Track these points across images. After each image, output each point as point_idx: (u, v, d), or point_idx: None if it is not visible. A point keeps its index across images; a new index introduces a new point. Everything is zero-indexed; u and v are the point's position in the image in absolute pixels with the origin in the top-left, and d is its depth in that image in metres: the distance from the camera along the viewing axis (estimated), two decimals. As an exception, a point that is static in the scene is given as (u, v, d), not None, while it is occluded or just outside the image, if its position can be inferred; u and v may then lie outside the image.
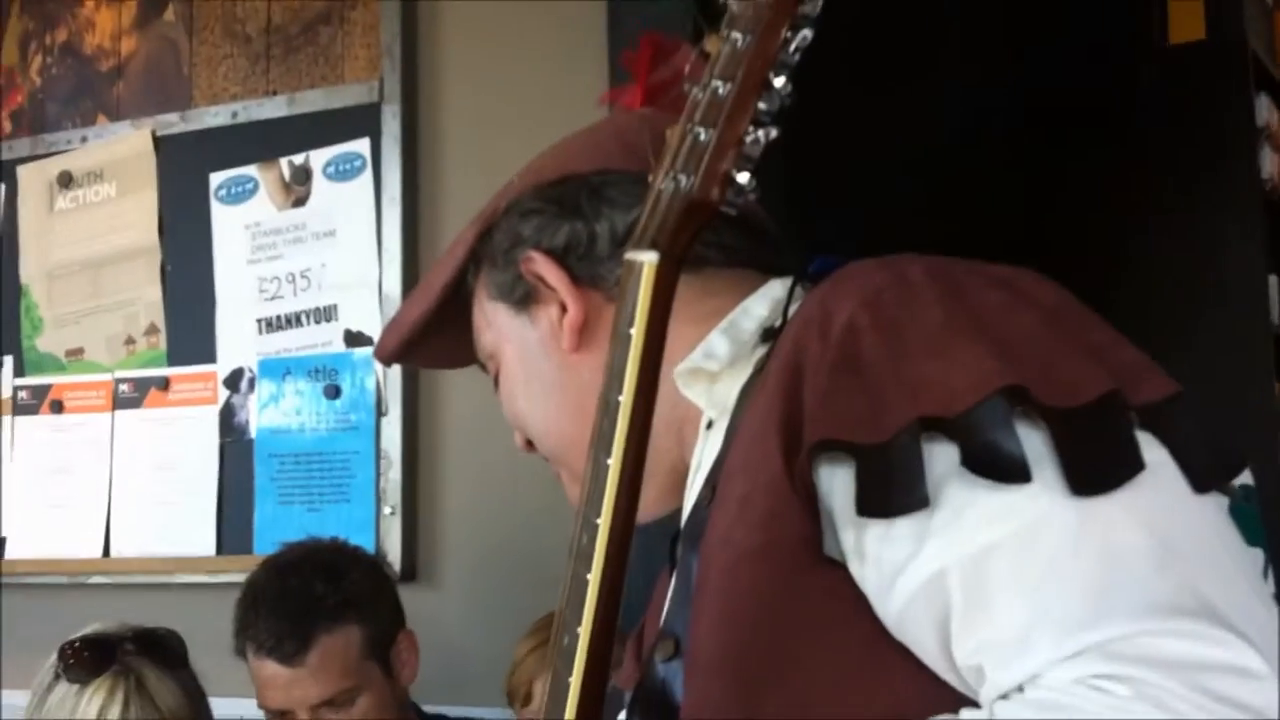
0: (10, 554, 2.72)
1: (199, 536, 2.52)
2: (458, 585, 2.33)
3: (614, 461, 0.81)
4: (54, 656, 1.79)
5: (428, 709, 1.98)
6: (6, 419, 2.76)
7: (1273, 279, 3.33)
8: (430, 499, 2.38)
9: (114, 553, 2.61)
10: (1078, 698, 0.73)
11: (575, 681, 0.83)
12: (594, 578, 0.82)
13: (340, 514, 2.37)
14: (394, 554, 2.32)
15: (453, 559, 2.35)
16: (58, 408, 2.71)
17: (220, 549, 2.51)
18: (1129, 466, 0.78)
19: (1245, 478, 0.88)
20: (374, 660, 1.81)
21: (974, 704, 0.80)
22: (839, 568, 0.84)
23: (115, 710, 1.73)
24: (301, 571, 1.82)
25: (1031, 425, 0.79)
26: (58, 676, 1.77)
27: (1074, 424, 0.79)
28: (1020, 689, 0.77)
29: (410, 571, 2.31)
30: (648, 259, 0.80)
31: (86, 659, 1.77)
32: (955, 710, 0.80)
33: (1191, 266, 2.86)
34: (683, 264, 0.81)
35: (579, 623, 0.82)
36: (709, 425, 1.01)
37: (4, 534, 2.73)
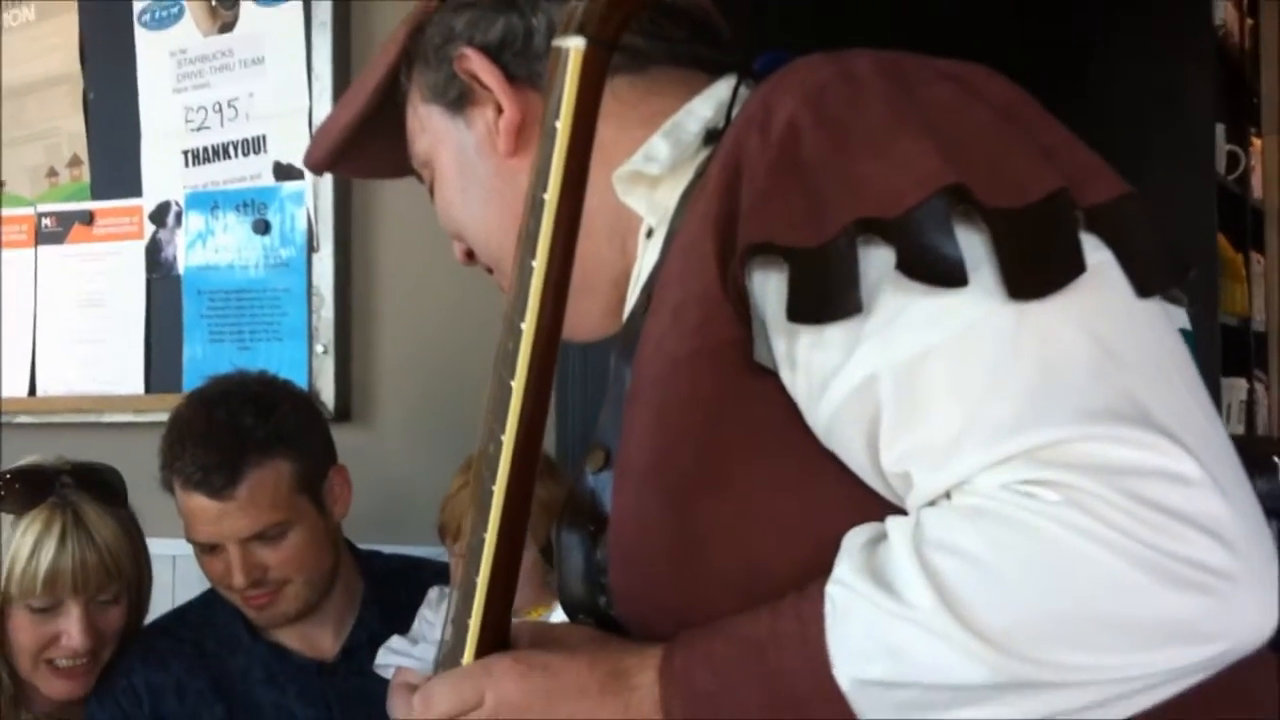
0: (-68, 392, 2.66)
1: (127, 375, 2.47)
2: (392, 424, 2.30)
3: (539, 262, 0.77)
4: None
5: (363, 547, 1.96)
6: (-75, 254, 2.68)
7: (1220, 128, 3.32)
8: (364, 337, 2.33)
9: (40, 391, 2.56)
10: (1005, 504, 0.72)
11: (499, 488, 0.81)
12: (517, 383, 0.79)
13: (272, 352, 2.32)
14: (327, 393, 2.27)
15: (387, 398, 2.31)
16: (-22, 242, 2.63)
17: (149, 387, 2.46)
18: (1070, 269, 0.75)
19: (1183, 321, 0.85)
20: (305, 495, 1.77)
21: (902, 513, 0.78)
22: (771, 376, 0.81)
23: (51, 543, 1.70)
24: (229, 404, 1.77)
25: (972, 227, 0.76)
26: None
27: (1016, 225, 0.76)
28: (948, 496, 0.75)
29: (344, 411, 2.27)
30: (574, 44, 0.75)
31: (21, 491, 1.74)
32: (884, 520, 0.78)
33: (1143, 111, 2.83)
34: (614, 52, 0.76)
35: (502, 429, 0.80)
36: (649, 234, 0.97)
37: (-75, 372, 2.67)
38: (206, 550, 1.76)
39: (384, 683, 1.78)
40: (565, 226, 0.77)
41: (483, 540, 0.83)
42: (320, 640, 1.85)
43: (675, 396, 0.84)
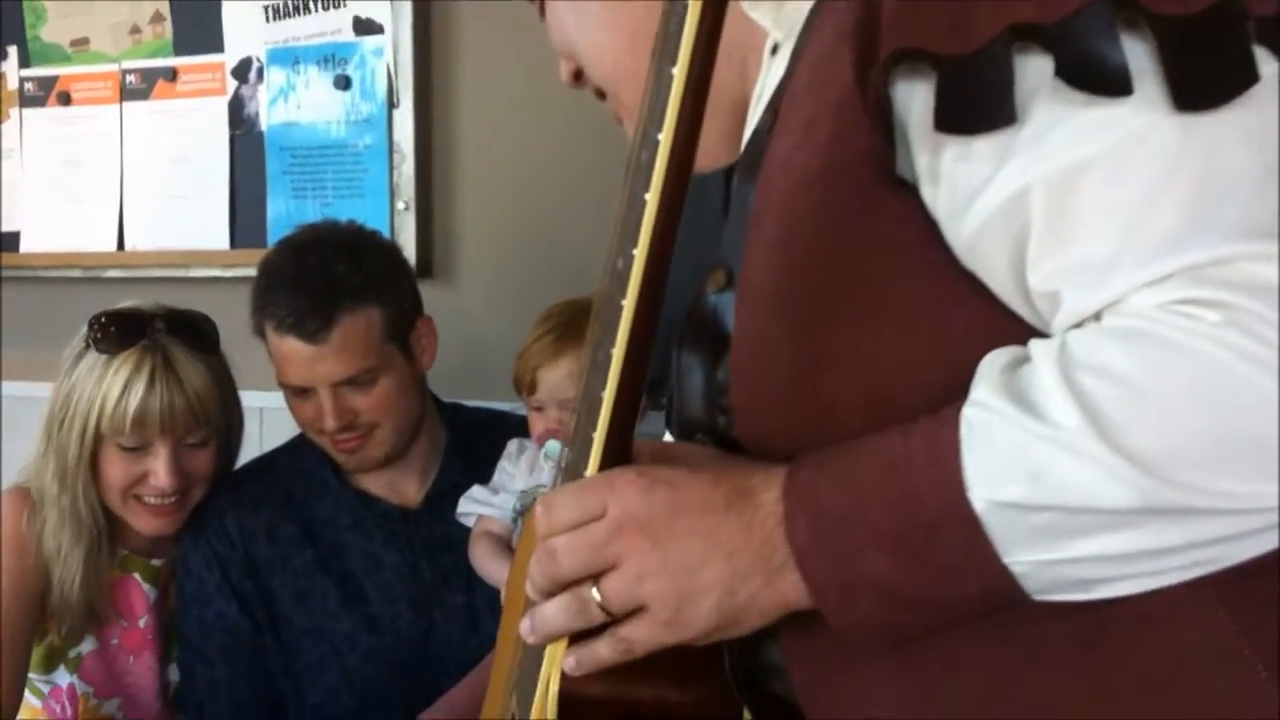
0: (25, 248, 2.71)
1: (212, 230, 2.50)
2: (473, 280, 2.31)
3: (680, 68, 0.72)
4: (84, 328, 1.79)
5: (444, 400, 1.99)
6: (14, 111, 2.71)
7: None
8: (445, 193, 2.34)
9: (128, 246, 2.59)
10: (1162, 324, 0.69)
11: (629, 302, 0.78)
12: (652, 196, 0.76)
13: (354, 209, 2.33)
14: (409, 249, 2.28)
15: (468, 254, 2.32)
16: (65, 99, 2.65)
17: (234, 243, 2.48)
18: (1241, 80, 0.71)
19: None
20: (394, 343, 1.80)
21: (1043, 338, 0.75)
22: (909, 191, 0.78)
23: (140, 385, 1.74)
24: (321, 250, 1.78)
25: (1137, 34, 0.72)
26: (87, 346, 1.78)
27: (1184, 32, 0.71)
28: (1098, 316, 0.72)
29: (425, 267, 2.28)
30: None
31: (114, 332, 1.77)
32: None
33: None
34: None
35: (634, 243, 0.77)
36: (774, 50, 0.92)
37: (19, 228, 2.72)
38: (297, 394, 1.79)
39: (465, 530, 1.83)
40: (709, 26, 0.72)
41: (610, 355, 0.80)
42: (405, 488, 1.89)
43: (804, 213, 0.81)
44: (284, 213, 2.41)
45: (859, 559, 0.76)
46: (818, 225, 0.80)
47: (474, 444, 1.93)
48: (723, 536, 0.79)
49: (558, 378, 1.74)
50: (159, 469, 1.76)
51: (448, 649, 1.82)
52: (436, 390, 1.97)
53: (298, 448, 1.92)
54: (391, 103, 2.33)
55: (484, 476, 1.85)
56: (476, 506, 1.83)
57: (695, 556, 0.79)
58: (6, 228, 2.73)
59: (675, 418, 0.93)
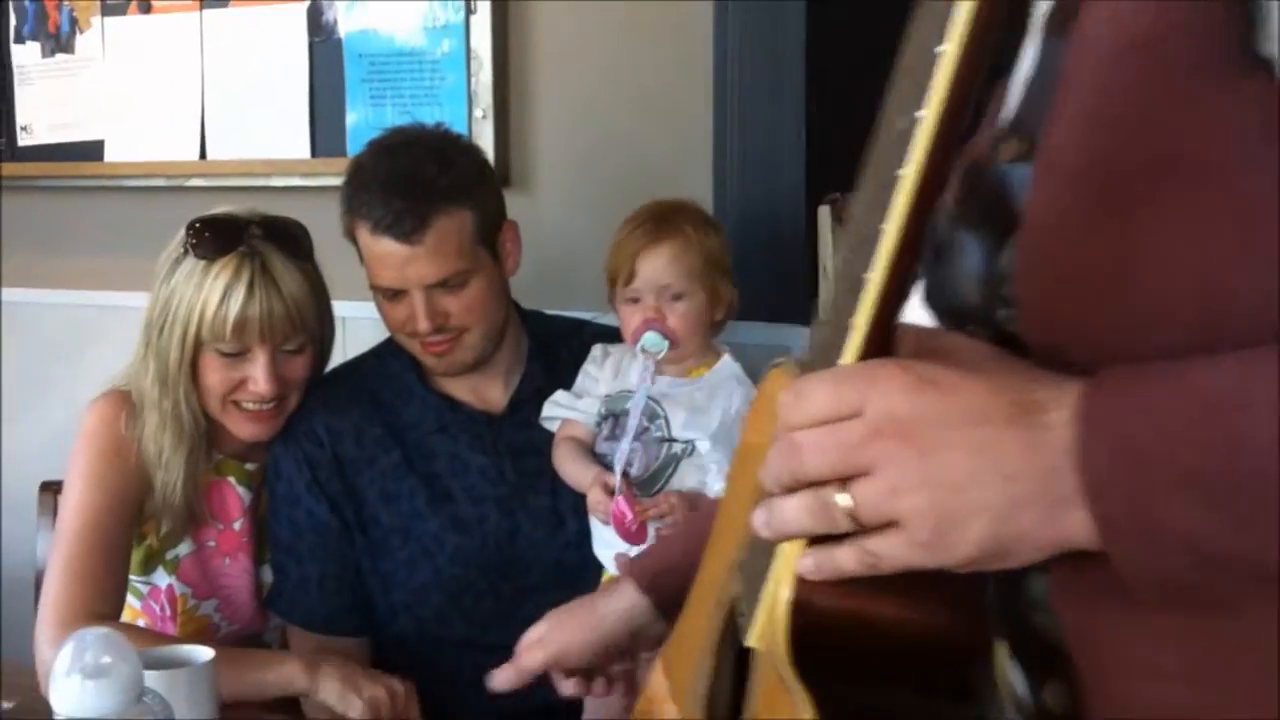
0: (109, 157, 2.75)
1: (293, 139, 2.53)
2: (551, 188, 2.33)
3: None
4: (181, 233, 1.82)
5: (526, 309, 2.02)
6: (95, 20, 2.74)
7: None
8: (522, 101, 2.35)
9: (210, 155, 2.63)
10: None
11: (913, 169, 0.69)
12: (953, 46, 0.66)
13: (432, 116, 2.29)
14: (487, 157, 2.30)
15: (546, 162, 2.34)
16: (145, 7, 2.68)
17: (314, 151, 2.51)
18: None
19: None
20: (484, 246, 1.82)
21: None
22: (1262, 70, 0.66)
23: (240, 291, 1.77)
24: (413, 153, 1.80)
25: None
26: (185, 252, 1.80)
27: None
28: None
29: (504, 175, 2.30)
30: None
31: (211, 238, 1.79)
32: None
33: None
34: None
35: (919, 104, 0.68)
36: None
37: (102, 137, 2.76)
38: (390, 297, 1.82)
39: (549, 434, 1.87)
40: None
41: (879, 230, 0.70)
42: (489, 393, 1.92)
43: (1128, 84, 0.69)
44: (363, 120, 2.43)
45: (1167, 505, 0.65)
46: (1146, 97, 0.68)
47: (555, 350, 1.96)
48: (999, 454, 0.69)
49: (659, 263, 1.75)
50: (258, 375, 1.79)
51: (532, 550, 1.86)
52: (517, 298, 2.00)
53: (382, 353, 1.96)
54: (469, 9, 2.33)
55: (565, 382, 1.89)
56: (561, 411, 1.86)
57: (964, 473, 0.69)
58: (90, 137, 2.77)
59: (939, 301, 0.82)
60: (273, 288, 1.78)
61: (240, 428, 1.85)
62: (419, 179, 1.76)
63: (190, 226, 1.81)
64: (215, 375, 1.81)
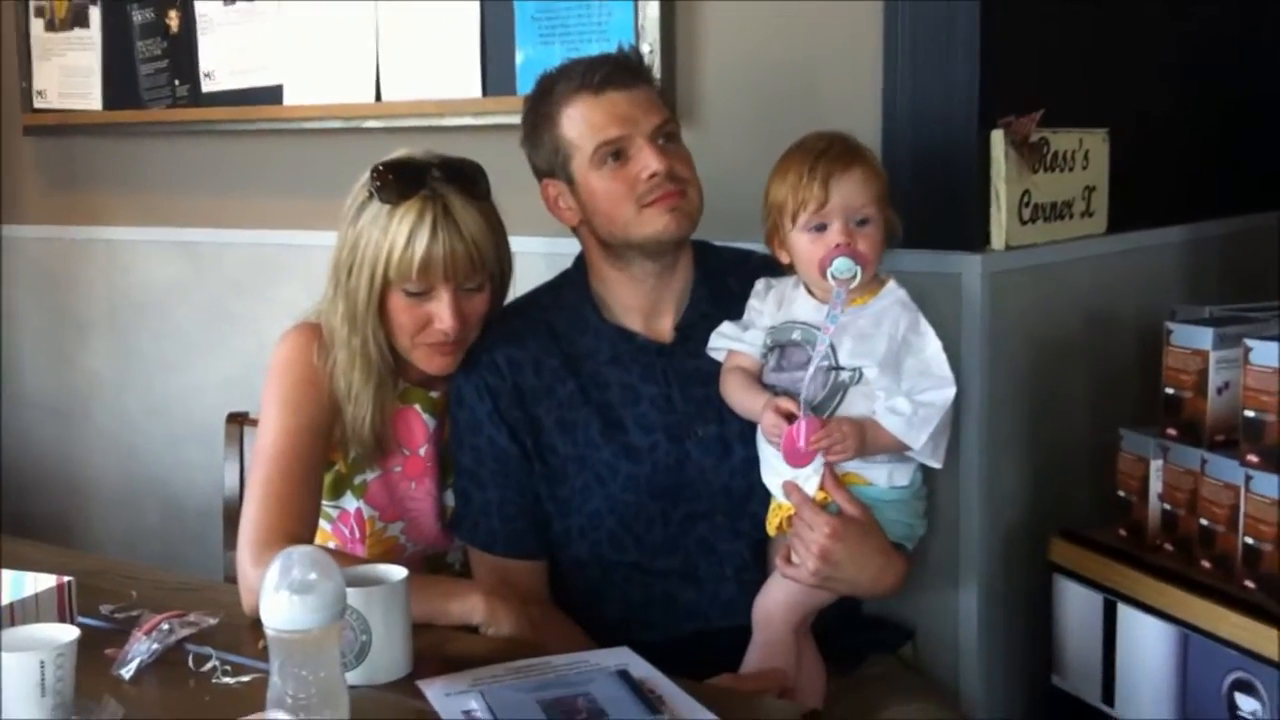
0: (288, 100, 2.86)
1: (465, 79, 2.59)
2: (718, 121, 2.34)
3: None
4: (365, 176, 1.89)
5: (693, 239, 2.04)
6: (274, -33, 2.83)
7: None
8: (689, 35, 2.36)
9: (385, 97, 2.71)
10: None
11: None
12: None
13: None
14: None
15: (713, 96, 2.35)
16: (321, -44, 2.76)
17: (485, 90, 2.57)
18: None
19: None
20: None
21: None
22: None
23: (424, 233, 1.84)
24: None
25: None
26: (370, 196, 1.88)
27: None
28: None
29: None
30: None
31: (395, 182, 1.86)
32: None
33: None
34: None
35: None
36: None
37: (280, 82, 2.86)
38: (617, 158, 1.87)
39: (716, 364, 1.91)
40: None
41: None
42: (660, 323, 1.96)
43: None
44: (531, 59, 2.48)
45: None
46: None
47: (723, 280, 1.98)
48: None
49: (852, 188, 1.77)
50: (443, 312, 1.87)
51: (700, 476, 1.91)
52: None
53: (558, 285, 2.02)
54: (635, -54, 2.35)
55: (732, 312, 1.91)
56: (727, 342, 1.90)
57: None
58: (269, 82, 2.88)
59: None
60: (454, 229, 1.85)
61: (426, 362, 1.92)
62: (618, 54, 1.95)
63: (374, 171, 1.88)
64: (403, 314, 1.88)
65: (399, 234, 1.84)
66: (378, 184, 1.86)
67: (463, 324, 1.89)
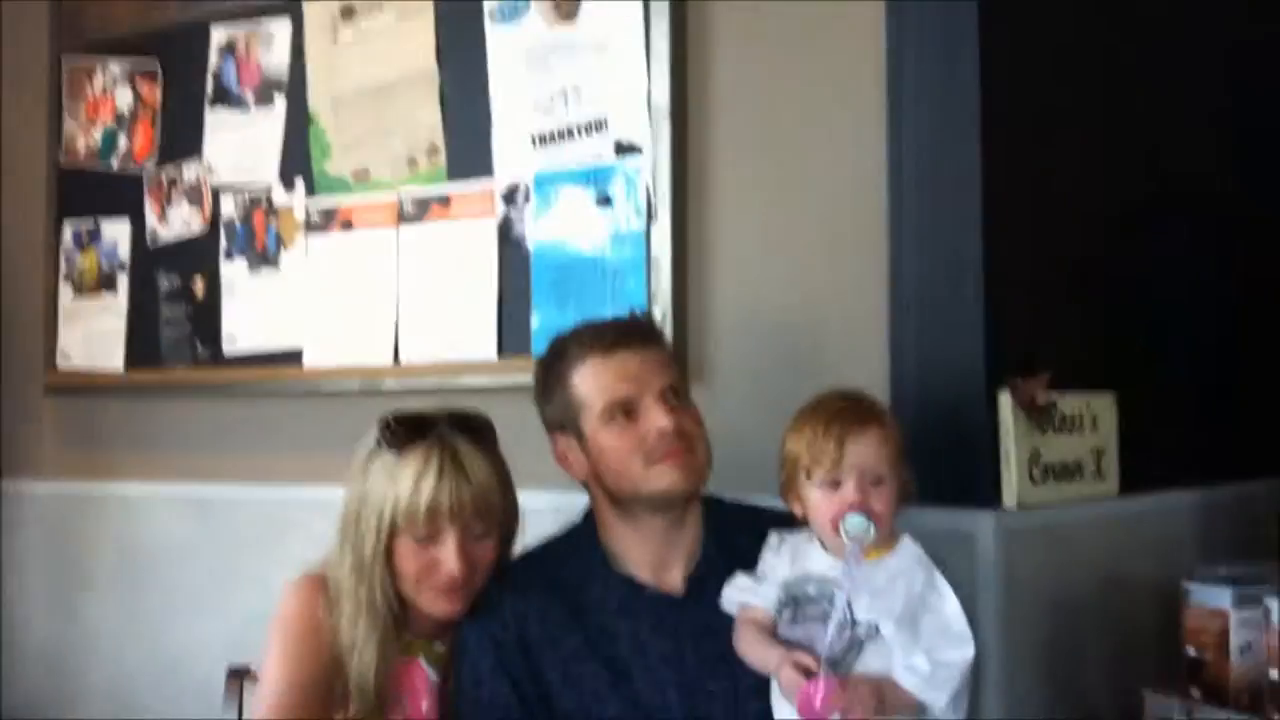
0: (308, 363, 2.92)
1: (481, 342, 2.65)
2: (727, 383, 2.39)
3: None
4: (374, 429, 1.93)
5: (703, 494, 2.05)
6: (300, 237, 2.94)
7: None
8: (699, 303, 2.44)
9: (403, 360, 2.77)
10: None
11: None
12: None
13: (614, 318, 2.45)
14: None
15: (722, 359, 2.41)
16: (346, 225, 2.87)
17: (501, 352, 2.63)
18: None
19: None
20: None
21: None
22: None
23: (431, 477, 1.87)
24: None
25: None
26: (379, 445, 1.92)
27: None
28: None
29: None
30: None
31: (403, 430, 1.91)
32: None
33: None
34: None
35: None
36: None
37: (301, 345, 2.93)
38: (626, 415, 1.89)
39: (727, 617, 1.88)
40: None
41: None
42: (670, 576, 1.95)
43: None
44: (547, 322, 2.54)
45: None
46: None
47: (733, 533, 1.98)
48: None
49: (867, 448, 1.78)
50: (449, 558, 1.88)
51: (712, 733, 1.86)
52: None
53: (567, 538, 2.02)
54: (650, 218, 2.45)
55: (741, 564, 1.90)
56: (741, 595, 1.88)
57: None
58: (290, 344, 2.95)
59: None
60: (461, 474, 1.88)
61: (432, 604, 1.91)
62: (629, 317, 2.03)
63: (383, 422, 1.93)
64: (409, 560, 1.89)
65: (405, 479, 1.87)
66: (386, 433, 1.90)
67: (470, 569, 1.89)
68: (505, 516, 1.97)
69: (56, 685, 3.33)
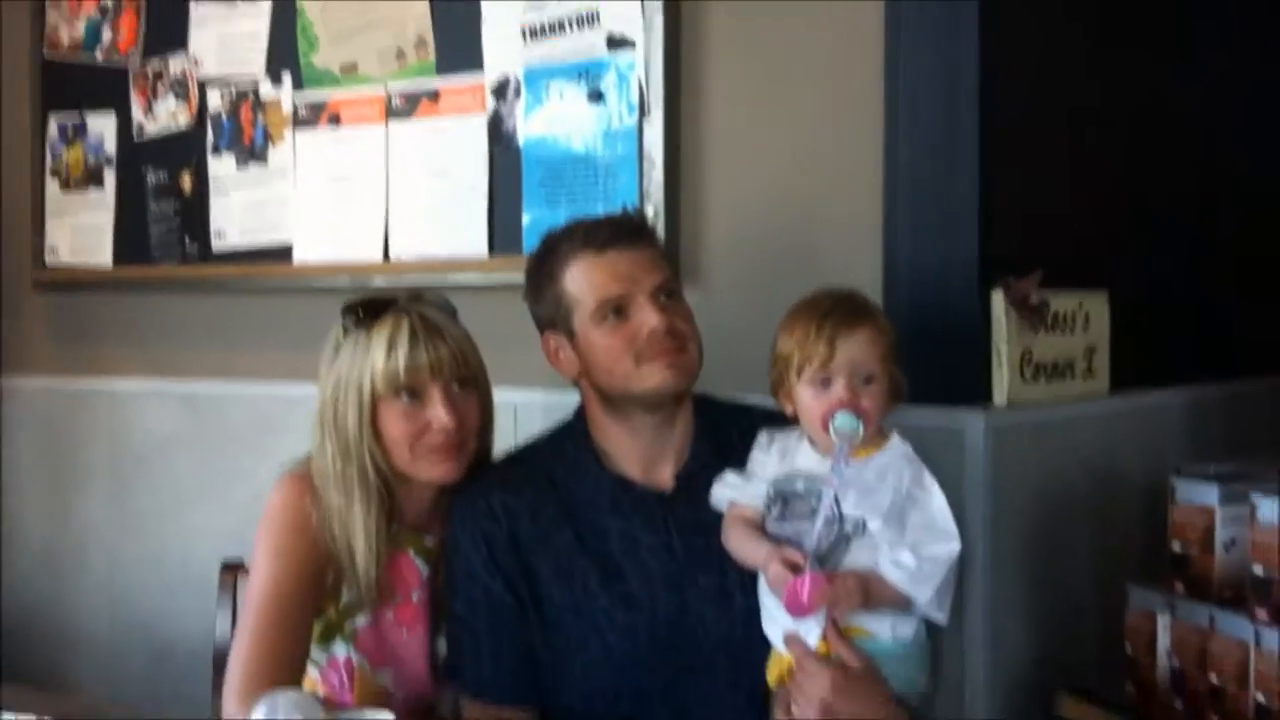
0: (298, 259, 2.90)
1: (472, 239, 2.64)
2: (720, 281, 2.38)
3: None
4: (336, 325, 1.93)
5: (695, 392, 2.05)
6: (288, 133, 2.91)
7: None
8: (692, 200, 2.42)
9: (393, 256, 2.75)
10: None
11: None
12: None
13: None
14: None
15: (715, 256, 2.40)
16: (335, 121, 2.84)
17: (492, 250, 2.62)
18: None
19: None
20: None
21: None
22: None
23: (404, 341, 1.88)
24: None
25: None
26: (345, 331, 1.92)
27: None
28: None
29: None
30: None
31: (365, 309, 1.91)
32: None
33: None
34: None
35: None
36: None
37: (290, 241, 2.91)
38: (617, 315, 1.88)
39: (717, 514, 1.89)
40: None
41: None
42: (660, 472, 1.95)
43: None
44: (538, 220, 2.53)
45: None
46: None
47: (724, 430, 1.98)
48: None
49: (858, 346, 1.77)
50: (438, 412, 1.88)
51: (701, 627, 1.87)
52: (688, 386, 2.04)
53: (557, 436, 2.02)
54: (642, 114, 2.42)
55: (731, 462, 1.90)
56: (730, 492, 1.88)
57: None
58: (279, 241, 2.93)
59: None
60: (434, 332, 1.90)
61: (430, 470, 1.91)
62: (621, 215, 2.01)
63: (344, 309, 1.93)
64: (398, 425, 1.89)
65: (379, 348, 1.88)
66: (352, 314, 1.91)
67: (459, 423, 1.89)
68: (485, 378, 1.97)
69: (53, 582, 3.36)
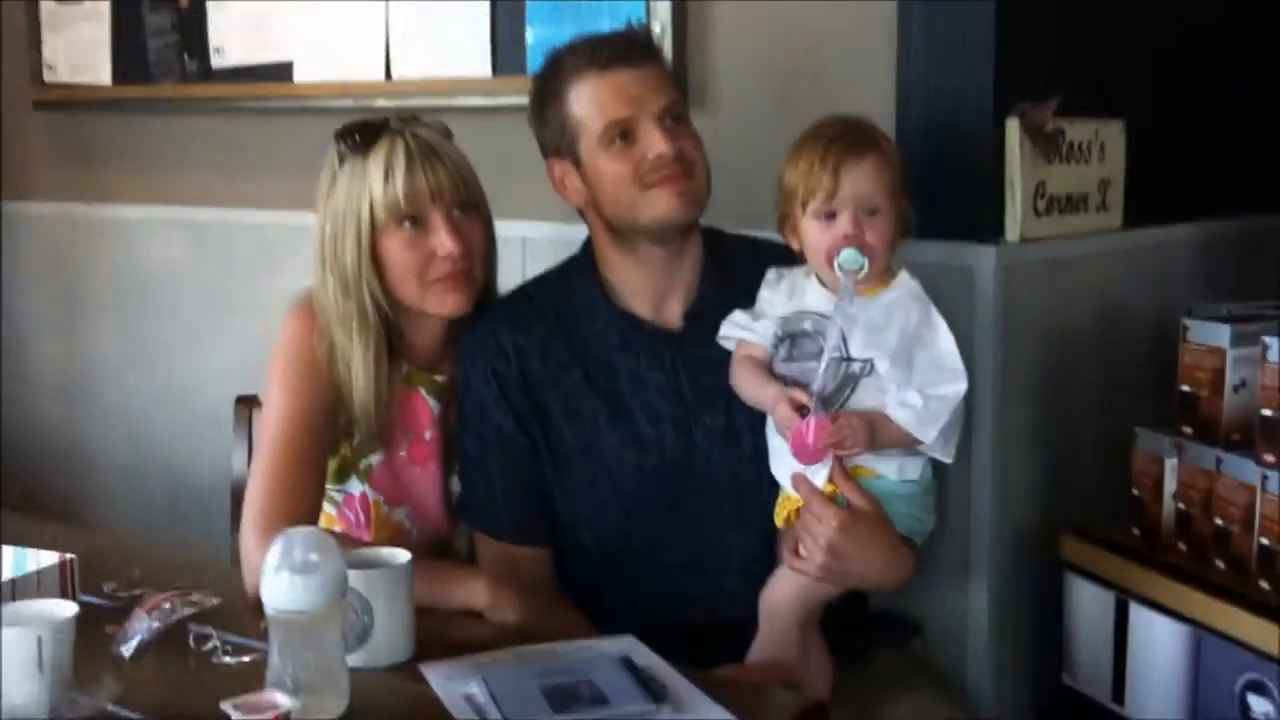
0: (299, 78, 2.84)
1: (475, 58, 2.57)
2: (729, 107, 2.33)
3: None
4: (330, 152, 1.89)
5: (703, 225, 2.02)
6: (285, -55, 2.81)
7: None
8: (701, 17, 2.34)
9: (395, 76, 2.69)
10: None
11: None
12: None
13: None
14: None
15: (724, 80, 2.33)
16: (333, -68, 2.74)
17: (495, 70, 2.55)
18: None
19: None
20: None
21: None
22: None
23: (401, 165, 1.84)
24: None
25: None
26: (340, 159, 1.88)
27: None
28: None
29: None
30: None
31: (359, 134, 1.87)
32: None
33: None
34: None
35: None
36: None
37: (291, 59, 2.84)
38: (623, 139, 1.84)
39: (725, 352, 1.88)
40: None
41: None
42: (669, 310, 1.94)
43: None
44: (542, 40, 2.45)
45: None
46: None
47: (732, 266, 1.95)
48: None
49: (862, 177, 1.74)
50: (442, 238, 1.85)
51: (708, 466, 1.89)
52: (696, 217, 2.01)
53: (565, 271, 2.00)
54: (649, -73, 2.33)
55: (740, 299, 1.88)
56: (738, 331, 1.87)
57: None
58: (279, 59, 2.86)
59: None
60: (433, 156, 1.85)
61: (439, 302, 1.90)
62: (627, 31, 1.92)
63: (336, 135, 1.88)
64: (402, 255, 1.87)
65: (376, 174, 1.84)
66: (346, 140, 1.87)
67: (465, 248, 1.87)
68: (485, 201, 1.94)
69: (61, 409, 3.39)
